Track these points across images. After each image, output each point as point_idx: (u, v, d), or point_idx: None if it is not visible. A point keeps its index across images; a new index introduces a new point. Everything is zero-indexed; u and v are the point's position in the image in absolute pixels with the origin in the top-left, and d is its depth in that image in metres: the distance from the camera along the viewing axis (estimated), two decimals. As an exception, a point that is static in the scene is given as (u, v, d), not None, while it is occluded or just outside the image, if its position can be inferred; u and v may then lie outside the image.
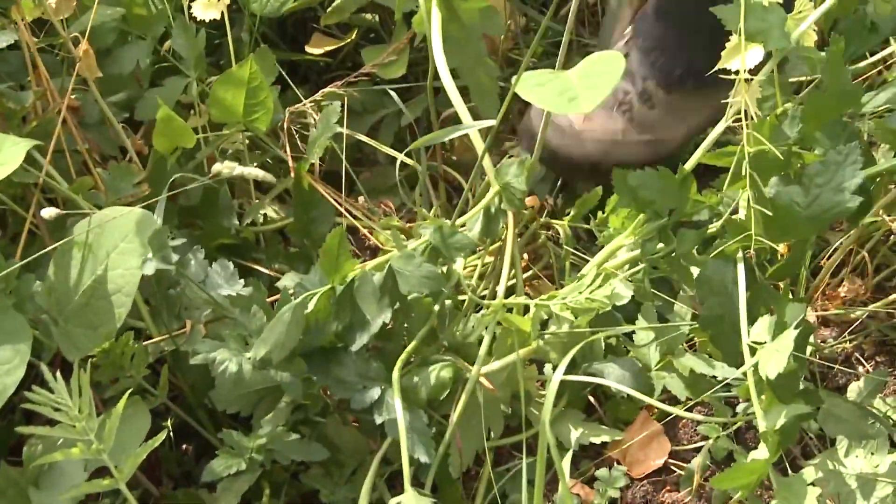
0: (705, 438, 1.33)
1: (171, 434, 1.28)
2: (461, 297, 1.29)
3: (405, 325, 1.26)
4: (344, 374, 1.23)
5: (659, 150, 1.50)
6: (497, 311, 1.22)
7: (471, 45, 1.37)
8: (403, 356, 1.22)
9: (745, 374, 1.09)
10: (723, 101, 1.10)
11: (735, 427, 1.34)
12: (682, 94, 1.50)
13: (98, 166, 1.36)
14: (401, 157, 1.55)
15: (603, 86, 0.91)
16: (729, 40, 1.09)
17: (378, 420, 1.21)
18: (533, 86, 0.94)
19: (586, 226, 1.41)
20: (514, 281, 1.32)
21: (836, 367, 1.41)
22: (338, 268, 1.18)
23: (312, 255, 1.44)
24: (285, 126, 1.53)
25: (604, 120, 1.51)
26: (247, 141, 1.53)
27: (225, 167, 1.30)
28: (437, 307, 1.24)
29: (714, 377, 1.30)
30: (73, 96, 1.30)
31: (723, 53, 1.12)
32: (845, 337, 1.45)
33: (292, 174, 1.47)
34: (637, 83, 1.51)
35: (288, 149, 1.52)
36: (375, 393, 1.22)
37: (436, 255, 1.19)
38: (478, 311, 1.31)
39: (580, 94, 0.90)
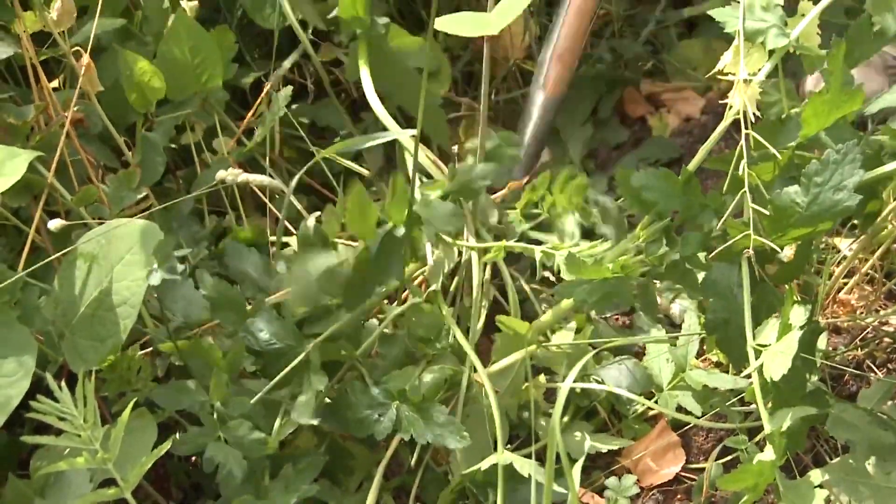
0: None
1: (180, 446, 1.27)
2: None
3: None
4: (355, 413, 1.22)
5: None
6: (498, 251, 1.27)
7: (405, 79, 1.55)
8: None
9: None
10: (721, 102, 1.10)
11: (756, 439, 1.32)
12: None
13: (99, 179, 1.36)
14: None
15: (512, 10, 0.98)
16: None
17: (406, 437, 1.20)
18: (450, 21, 1.02)
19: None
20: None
21: (848, 370, 1.39)
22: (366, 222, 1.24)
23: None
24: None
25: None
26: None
27: (229, 174, 1.30)
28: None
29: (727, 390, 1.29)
30: (75, 108, 1.30)
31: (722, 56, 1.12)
32: (856, 344, 1.44)
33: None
34: None
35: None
36: (392, 415, 1.21)
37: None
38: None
39: (492, 21, 0.98)
